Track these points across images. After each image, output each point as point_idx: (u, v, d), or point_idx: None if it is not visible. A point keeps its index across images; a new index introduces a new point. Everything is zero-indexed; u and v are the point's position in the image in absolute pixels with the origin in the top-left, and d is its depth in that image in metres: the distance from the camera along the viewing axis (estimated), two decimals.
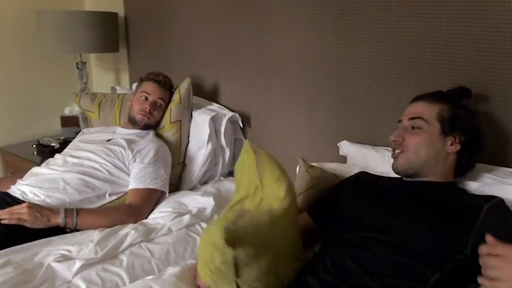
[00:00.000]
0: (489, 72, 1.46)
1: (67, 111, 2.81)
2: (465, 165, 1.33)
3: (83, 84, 2.69)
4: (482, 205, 1.14)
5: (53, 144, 2.60)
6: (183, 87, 2.11)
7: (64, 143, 2.58)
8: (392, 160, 1.37)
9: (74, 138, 2.65)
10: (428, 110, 1.32)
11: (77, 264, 1.39)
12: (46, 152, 2.54)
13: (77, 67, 2.66)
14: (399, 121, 1.39)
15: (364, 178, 1.49)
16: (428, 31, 1.57)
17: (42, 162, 2.37)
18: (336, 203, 1.43)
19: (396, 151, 1.35)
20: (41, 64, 2.83)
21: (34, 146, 2.63)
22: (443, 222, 1.16)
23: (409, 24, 1.61)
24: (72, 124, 2.78)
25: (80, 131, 2.71)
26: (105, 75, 3.00)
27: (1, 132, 2.73)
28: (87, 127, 2.67)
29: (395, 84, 1.68)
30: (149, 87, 2.06)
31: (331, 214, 1.42)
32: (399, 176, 1.38)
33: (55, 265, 1.39)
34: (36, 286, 1.30)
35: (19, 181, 1.85)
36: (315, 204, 1.53)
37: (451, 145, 1.30)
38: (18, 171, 2.44)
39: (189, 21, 2.36)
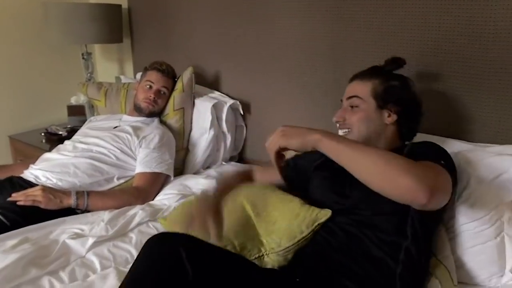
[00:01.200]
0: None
1: (73, 101, 2.89)
2: (407, 132, 1.42)
3: (88, 74, 2.78)
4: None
5: (60, 132, 2.69)
6: (185, 76, 2.20)
7: (71, 131, 2.68)
8: None
9: (80, 126, 2.76)
10: (362, 88, 1.40)
11: (90, 240, 1.50)
12: (54, 139, 2.64)
13: (83, 58, 2.75)
14: (341, 100, 1.47)
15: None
16: (417, 20, 1.66)
17: (50, 149, 2.48)
18: (304, 173, 1.53)
19: (343, 131, 1.42)
20: (47, 55, 2.91)
21: (43, 134, 2.72)
22: None
23: (399, 13, 1.70)
24: (78, 113, 2.86)
25: (85, 119, 2.82)
26: (109, 66, 3.08)
27: (10, 121, 2.83)
28: (93, 116, 2.78)
29: None
30: (153, 76, 2.15)
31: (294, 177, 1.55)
32: None
33: (70, 241, 1.49)
34: (53, 261, 1.40)
35: (31, 166, 1.95)
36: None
37: (389, 116, 1.38)
38: (27, 158, 2.55)
39: (191, 13, 2.45)
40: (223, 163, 2.28)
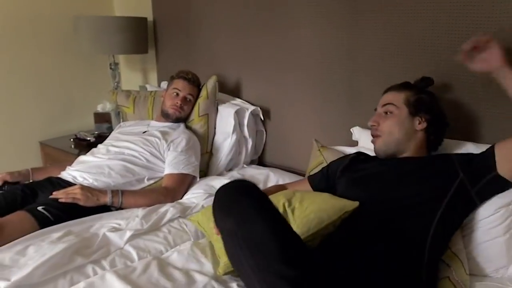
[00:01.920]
0: None
1: (99, 108, 3.05)
2: (434, 139, 1.59)
3: (115, 83, 2.93)
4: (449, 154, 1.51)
5: (88, 138, 2.85)
6: (210, 84, 2.34)
7: (98, 137, 2.85)
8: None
9: (106, 132, 2.95)
10: (397, 97, 1.59)
11: (128, 233, 1.63)
12: (83, 145, 2.80)
13: (110, 68, 2.91)
14: (375, 109, 1.64)
15: (357, 161, 1.70)
16: (428, 27, 1.78)
17: (79, 154, 2.65)
18: (332, 178, 1.71)
19: (376, 136, 1.60)
20: (76, 65, 3.09)
21: (72, 140, 2.88)
22: (423, 179, 1.44)
23: (411, 22, 1.82)
24: (104, 120, 3.03)
25: (110, 126, 2.99)
26: (133, 75, 3.24)
27: (40, 127, 2.99)
28: (119, 122, 2.93)
29: (402, 76, 1.87)
30: (180, 84, 2.30)
31: (323, 184, 1.73)
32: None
33: (109, 234, 1.63)
34: (95, 251, 1.53)
35: (68, 167, 2.10)
36: (316, 173, 1.82)
37: (419, 123, 1.55)
38: (56, 162, 2.71)
39: (212, 24, 2.60)
40: (244, 166, 2.41)
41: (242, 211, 1.13)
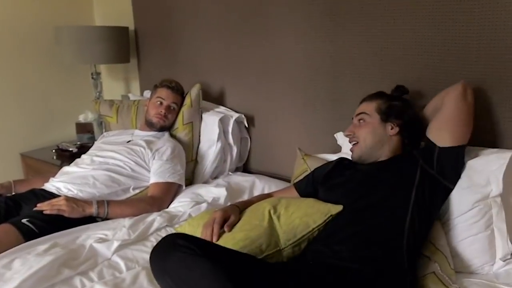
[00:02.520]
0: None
1: (81, 118, 3.02)
2: (409, 143, 1.65)
3: (98, 93, 2.91)
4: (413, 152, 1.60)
5: (71, 149, 2.82)
6: (193, 92, 2.34)
7: (81, 148, 2.82)
8: None
9: (88, 143, 2.92)
10: (369, 106, 1.67)
11: (115, 244, 1.62)
12: (65, 156, 2.77)
13: (92, 78, 2.89)
14: (352, 118, 1.73)
15: (340, 166, 1.75)
16: (409, 34, 1.82)
17: (61, 165, 2.62)
18: (316, 183, 1.76)
19: (352, 144, 1.68)
20: (57, 75, 3.06)
21: (54, 151, 2.85)
22: (393, 175, 1.55)
23: (393, 29, 1.86)
24: (86, 131, 3.01)
25: (93, 136, 2.97)
26: (115, 84, 3.23)
27: (21, 139, 2.96)
28: (102, 132, 2.91)
29: (385, 83, 1.92)
30: (163, 92, 2.30)
31: (310, 189, 1.78)
32: None
33: (96, 245, 1.61)
34: (82, 262, 1.52)
35: (52, 179, 2.07)
36: (301, 179, 1.87)
37: (391, 129, 1.63)
38: (38, 174, 2.68)
39: (195, 32, 2.61)
40: (230, 173, 2.42)
41: (175, 268, 1.17)
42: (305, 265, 1.38)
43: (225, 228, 1.54)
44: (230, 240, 1.49)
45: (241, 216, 1.63)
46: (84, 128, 3.01)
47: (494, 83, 1.67)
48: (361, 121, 1.68)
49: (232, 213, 1.60)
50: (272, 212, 1.56)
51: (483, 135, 1.68)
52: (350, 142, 1.71)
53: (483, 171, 1.53)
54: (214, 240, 1.52)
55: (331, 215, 1.49)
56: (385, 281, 1.32)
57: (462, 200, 1.54)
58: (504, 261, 1.50)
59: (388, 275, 1.33)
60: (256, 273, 1.27)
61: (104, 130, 2.91)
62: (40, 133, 3.04)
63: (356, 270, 1.32)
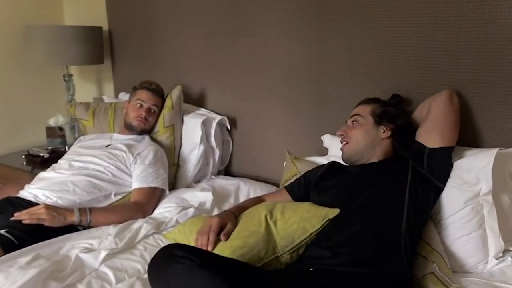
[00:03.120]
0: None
1: (51, 122, 2.89)
2: (400, 147, 1.68)
3: (70, 96, 2.80)
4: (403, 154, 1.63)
5: (42, 154, 2.69)
6: (174, 94, 2.28)
7: (52, 153, 2.70)
8: None
9: (60, 147, 2.80)
10: (364, 109, 1.72)
11: (102, 253, 1.54)
12: (36, 161, 2.64)
13: (64, 80, 2.77)
14: (346, 122, 1.76)
15: (332, 170, 1.75)
16: (396, 38, 1.84)
17: (32, 171, 2.50)
18: (308, 186, 1.74)
19: (343, 143, 1.71)
20: (25, 77, 2.92)
21: (23, 156, 2.71)
22: (385, 174, 1.57)
23: (379, 32, 1.87)
24: (57, 135, 2.88)
25: (64, 141, 2.85)
26: (87, 86, 3.10)
27: None
28: (75, 137, 2.80)
29: (371, 84, 1.94)
30: (143, 94, 2.22)
31: (302, 192, 1.76)
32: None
33: (83, 255, 1.53)
34: (69, 274, 1.44)
35: (27, 185, 1.96)
36: (292, 183, 1.84)
37: (383, 132, 1.67)
38: (7, 181, 2.54)
39: (174, 32, 2.54)
40: (212, 176, 2.37)
41: (176, 279, 1.14)
42: (306, 272, 1.35)
43: (222, 237, 1.50)
44: (227, 248, 1.45)
45: (237, 222, 1.59)
46: (55, 132, 2.87)
47: (478, 86, 1.70)
48: (354, 122, 1.70)
49: (228, 221, 1.56)
50: (268, 217, 1.52)
51: (468, 137, 1.72)
52: (341, 142, 1.72)
53: (472, 169, 1.57)
54: (209, 249, 1.47)
55: (328, 219, 1.48)
56: (388, 283, 1.31)
57: (453, 199, 1.56)
58: (497, 259, 1.52)
59: (389, 276, 1.32)
60: (257, 282, 1.24)
61: (77, 134, 2.81)
62: (7, 137, 2.89)
63: (358, 274, 1.31)
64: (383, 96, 1.79)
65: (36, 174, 2.41)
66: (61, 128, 2.86)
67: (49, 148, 2.78)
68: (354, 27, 1.93)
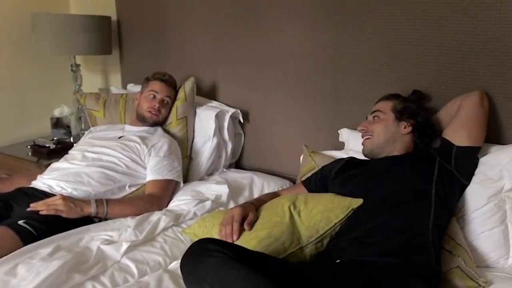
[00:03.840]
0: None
1: (56, 113, 2.85)
2: (420, 142, 1.69)
3: (77, 86, 2.75)
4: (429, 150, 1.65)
5: (48, 145, 2.65)
6: (187, 85, 2.25)
7: (58, 144, 2.66)
8: None
9: (65, 138, 2.76)
10: (385, 105, 1.74)
11: (124, 245, 1.53)
12: (42, 152, 2.60)
13: (72, 70, 2.72)
14: (366, 117, 1.78)
15: (351, 163, 1.76)
16: (414, 33, 1.83)
17: (38, 161, 2.47)
18: (325, 180, 1.76)
19: (365, 138, 1.72)
20: (31, 66, 2.86)
21: (29, 147, 2.67)
22: (411, 168, 1.59)
23: (398, 28, 1.86)
24: (61, 126, 2.84)
25: (69, 132, 2.81)
26: (93, 77, 3.06)
27: None
28: (81, 127, 2.76)
29: (386, 80, 1.93)
30: (157, 86, 2.19)
31: (319, 186, 1.77)
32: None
33: (104, 247, 1.51)
34: (92, 266, 1.42)
35: (41, 176, 1.93)
36: (309, 177, 1.85)
37: (404, 128, 1.68)
38: (12, 171, 2.49)
39: (184, 23, 2.51)
40: (224, 170, 2.35)
41: (211, 273, 1.13)
42: (333, 265, 1.35)
43: (245, 227, 1.50)
44: (253, 239, 1.44)
45: (258, 213, 1.58)
46: (60, 123, 2.84)
47: (500, 83, 1.71)
48: (375, 118, 1.71)
49: (250, 211, 1.56)
50: (292, 208, 1.52)
51: (491, 133, 1.71)
52: (363, 137, 1.73)
53: (495, 165, 1.59)
54: (234, 239, 1.47)
55: (352, 209, 1.49)
56: (416, 274, 1.30)
57: (477, 195, 1.58)
58: None
59: (418, 268, 1.32)
60: (286, 275, 1.24)
61: (83, 125, 2.78)
62: (12, 127, 2.83)
63: (387, 264, 1.31)
64: (402, 92, 1.79)
65: (42, 165, 2.41)
66: (66, 119, 2.82)
67: (55, 138, 2.74)
68: (372, 21, 1.92)
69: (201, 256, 1.15)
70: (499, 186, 1.56)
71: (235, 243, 1.44)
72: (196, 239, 1.61)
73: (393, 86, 1.90)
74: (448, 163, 1.57)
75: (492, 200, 1.55)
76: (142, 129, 2.18)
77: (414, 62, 1.86)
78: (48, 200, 1.68)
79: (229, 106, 2.37)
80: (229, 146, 2.33)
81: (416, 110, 1.71)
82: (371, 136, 1.70)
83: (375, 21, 1.91)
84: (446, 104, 1.76)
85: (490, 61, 1.70)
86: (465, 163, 1.59)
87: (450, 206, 1.54)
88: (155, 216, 1.74)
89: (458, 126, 1.63)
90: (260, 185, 2.13)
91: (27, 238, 1.53)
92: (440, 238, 1.45)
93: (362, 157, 1.80)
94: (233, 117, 2.35)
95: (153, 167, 1.97)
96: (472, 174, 1.60)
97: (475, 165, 1.61)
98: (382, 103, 1.75)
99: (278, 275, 1.20)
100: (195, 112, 2.30)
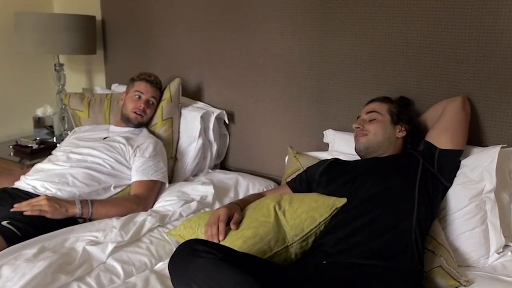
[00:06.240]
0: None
1: (39, 112, 2.82)
2: (410, 147, 1.76)
3: (60, 86, 2.73)
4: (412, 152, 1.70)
5: (30, 145, 2.62)
6: (173, 86, 2.25)
7: (41, 144, 2.63)
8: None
9: (48, 138, 2.74)
10: (381, 107, 1.77)
11: (110, 246, 1.52)
12: (25, 152, 2.57)
13: (55, 69, 2.70)
14: (358, 117, 1.79)
15: (335, 164, 1.79)
16: (399, 37, 1.86)
17: (20, 162, 2.44)
18: (310, 181, 1.78)
19: (360, 135, 1.74)
20: (13, 65, 2.83)
21: (11, 147, 2.64)
22: (395, 169, 1.63)
23: (383, 32, 1.90)
24: (44, 126, 2.81)
25: (52, 132, 2.79)
26: (76, 77, 3.03)
27: None
28: (64, 128, 2.74)
29: (371, 82, 1.96)
30: (142, 86, 2.19)
31: (304, 187, 1.79)
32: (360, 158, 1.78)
33: (90, 248, 1.50)
34: (78, 267, 1.41)
35: (24, 176, 1.91)
36: (294, 178, 1.87)
37: (399, 131, 1.73)
38: None
39: (170, 23, 2.51)
40: (209, 170, 2.35)
41: (200, 274, 1.13)
42: (321, 266, 1.37)
43: (232, 226, 1.51)
44: (239, 238, 1.45)
45: (243, 214, 1.59)
46: (42, 123, 2.81)
47: (481, 88, 1.75)
48: (372, 118, 1.74)
49: (235, 211, 1.57)
50: (277, 207, 1.53)
51: (472, 136, 1.76)
52: (358, 133, 1.75)
53: (476, 167, 1.63)
54: (220, 239, 1.48)
55: (336, 208, 1.51)
56: (400, 274, 1.33)
57: (459, 196, 1.61)
58: (498, 253, 1.57)
59: (402, 267, 1.35)
60: (274, 277, 1.25)
61: (66, 125, 2.76)
62: None
63: (372, 266, 1.33)
64: (387, 95, 1.83)
65: (25, 165, 2.38)
66: (49, 119, 2.80)
67: (37, 139, 2.71)
68: (358, 24, 1.95)
69: (190, 257, 1.15)
70: (480, 188, 1.60)
71: (221, 243, 1.45)
72: (182, 240, 1.62)
73: (378, 88, 1.94)
74: (431, 165, 1.61)
75: (473, 201, 1.59)
76: (127, 130, 2.18)
77: (398, 66, 1.89)
78: (33, 201, 1.67)
79: (214, 107, 2.38)
80: (214, 147, 2.34)
81: (411, 115, 1.78)
82: (369, 134, 1.72)
83: (361, 25, 1.94)
84: (430, 108, 1.80)
85: (471, 67, 1.75)
86: (447, 165, 1.63)
87: (433, 207, 1.57)
88: (141, 216, 1.74)
89: (441, 130, 1.67)
90: (245, 186, 2.15)
91: (11, 239, 1.52)
92: (423, 238, 1.48)
93: (346, 158, 1.83)
94: (218, 118, 2.36)
95: (138, 168, 1.97)
96: (454, 176, 1.64)
97: (457, 168, 1.65)
98: (377, 104, 1.78)
99: (267, 276, 1.21)
100: (181, 113, 2.30)
